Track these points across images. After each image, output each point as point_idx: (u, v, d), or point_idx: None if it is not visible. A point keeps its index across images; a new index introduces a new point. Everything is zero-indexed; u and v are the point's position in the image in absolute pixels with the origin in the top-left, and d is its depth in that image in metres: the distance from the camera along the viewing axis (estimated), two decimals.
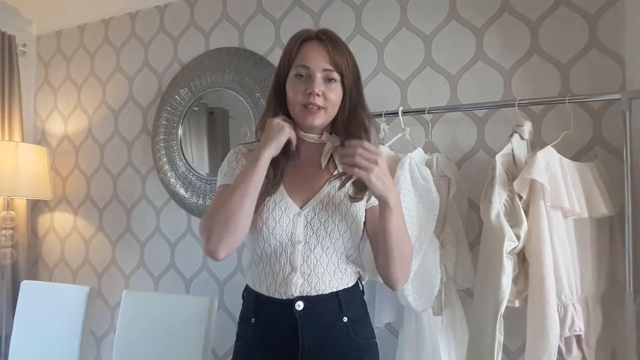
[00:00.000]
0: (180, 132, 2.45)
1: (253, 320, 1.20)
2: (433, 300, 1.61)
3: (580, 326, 1.46)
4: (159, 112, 2.52)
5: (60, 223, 2.83)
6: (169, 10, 2.57)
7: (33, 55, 2.96)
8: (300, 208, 1.18)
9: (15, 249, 2.61)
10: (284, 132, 1.15)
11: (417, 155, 1.69)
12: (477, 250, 1.62)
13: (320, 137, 1.22)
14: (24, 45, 2.85)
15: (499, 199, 1.49)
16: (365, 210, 1.23)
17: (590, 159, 1.64)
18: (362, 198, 1.20)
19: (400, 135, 1.79)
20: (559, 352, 1.46)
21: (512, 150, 1.57)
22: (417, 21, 2.00)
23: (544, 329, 1.41)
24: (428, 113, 1.77)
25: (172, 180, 2.45)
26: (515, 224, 1.47)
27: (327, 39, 1.17)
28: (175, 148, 2.46)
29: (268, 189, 1.17)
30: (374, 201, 1.21)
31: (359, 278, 1.26)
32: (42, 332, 2.10)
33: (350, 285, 1.21)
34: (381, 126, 1.79)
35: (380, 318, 1.76)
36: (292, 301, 1.14)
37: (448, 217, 1.70)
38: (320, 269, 1.16)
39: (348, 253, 1.20)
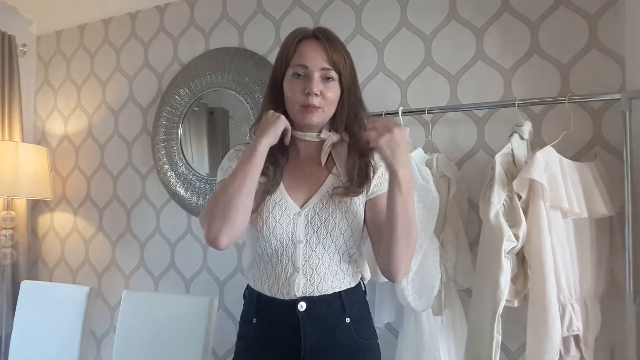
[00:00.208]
0: (180, 132, 2.45)
1: (255, 320, 1.20)
2: (433, 300, 1.61)
3: (578, 326, 1.46)
4: (159, 112, 2.52)
5: (60, 223, 2.83)
6: (169, 10, 2.57)
7: (33, 55, 2.96)
8: (301, 207, 1.18)
9: (15, 249, 2.61)
10: (281, 121, 1.15)
11: (417, 155, 1.69)
12: (477, 250, 1.62)
13: (318, 135, 1.21)
14: (24, 45, 2.85)
15: (498, 199, 1.49)
16: (365, 203, 1.22)
17: (590, 159, 1.64)
18: (362, 192, 1.19)
19: None
20: None
21: (512, 150, 1.57)
22: (417, 21, 2.00)
23: (546, 329, 1.41)
24: (428, 113, 1.77)
25: (172, 180, 2.45)
26: (514, 223, 1.47)
27: (324, 38, 1.17)
28: (175, 148, 2.46)
29: (268, 188, 1.17)
30: (372, 193, 1.20)
31: (361, 278, 1.26)
32: (42, 332, 2.10)
33: (352, 285, 1.21)
34: None
35: (380, 318, 1.76)
36: (295, 302, 1.14)
37: (448, 217, 1.70)
38: (322, 268, 1.16)
39: (350, 252, 1.20)
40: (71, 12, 2.82)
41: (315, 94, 1.14)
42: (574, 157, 1.64)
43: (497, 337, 1.46)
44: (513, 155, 1.57)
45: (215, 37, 2.44)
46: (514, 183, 1.49)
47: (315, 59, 1.15)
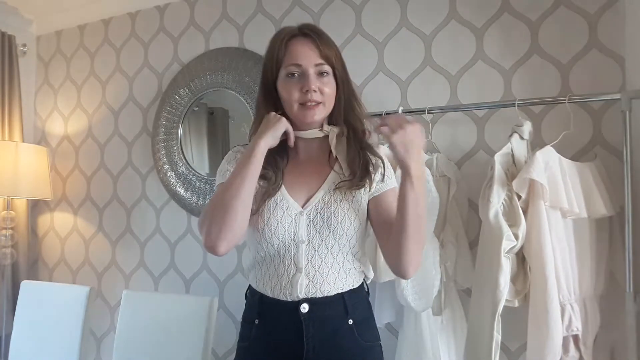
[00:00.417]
0: (180, 132, 2.46)
1: (257, 321, 1.19)
2: (433, 300, 1.61)
3: (577, 326, 1.46)
4: (159, 112, 2.52)
5: (60, 223, 2.83)
6: (169, 10, 2.57)
7: (33, 55, 2.96)
8: (302, 207, 1.18)
9: (15, 249, 2.61)
10: (282, 123, 1.15)
11: None
12: (477, 250, 1.62)
13: (321, 129, 1.20)
14: (24, 45, 2.85)
15: (497, 199, 1.49)
16: (368, 201, 1.21)
17: (590, 159, 1.64)
18: (364, 185, 1.18)
19: None
20: None
21: (512, 150, 1.57)
22: (417, 21, 2.00)
23: (547, 329, 1.41)
24: (428, 113, 1.77)
25: (172, 180, 2.45)
26: (513, 223, 1.47)
27: (312, 33, 1.17)
28: (175, 148, 2.46)
29: (269, 191, 1.16)
30: (376, 190, 1.20)
31: (363, 279, 1.25)
32: (42, 332, 2.10)
33: (355, 286, 1.20)
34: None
35: (380, 318, 1.76)
36: (297, 303, 1.13)
37: (448, 217, 1.70)
38: (324, 268, 1.15)
39: (353, 250, 1.19)
40: (71, 12, 2.82)
41: (314, 91, 1.14)
42: (574, 157, 1.64)
43: (497, 337, 1.46)
44: (513, 155, 1.57)
45: (215, 37, 2.44)
46: (514, 183, 1.49)
47: (307, 56, 1.15)
